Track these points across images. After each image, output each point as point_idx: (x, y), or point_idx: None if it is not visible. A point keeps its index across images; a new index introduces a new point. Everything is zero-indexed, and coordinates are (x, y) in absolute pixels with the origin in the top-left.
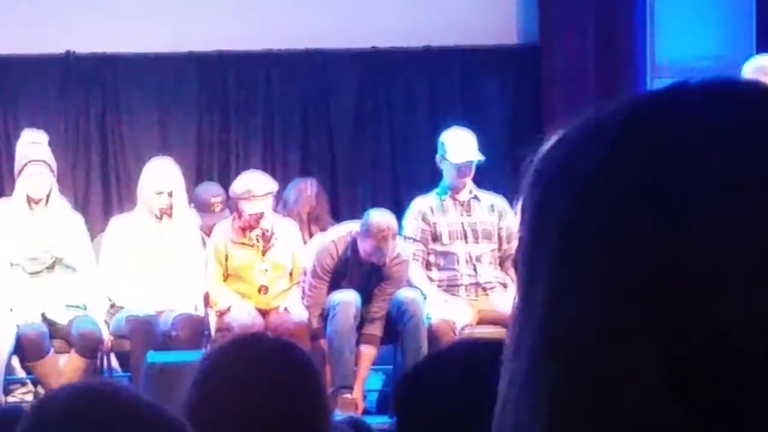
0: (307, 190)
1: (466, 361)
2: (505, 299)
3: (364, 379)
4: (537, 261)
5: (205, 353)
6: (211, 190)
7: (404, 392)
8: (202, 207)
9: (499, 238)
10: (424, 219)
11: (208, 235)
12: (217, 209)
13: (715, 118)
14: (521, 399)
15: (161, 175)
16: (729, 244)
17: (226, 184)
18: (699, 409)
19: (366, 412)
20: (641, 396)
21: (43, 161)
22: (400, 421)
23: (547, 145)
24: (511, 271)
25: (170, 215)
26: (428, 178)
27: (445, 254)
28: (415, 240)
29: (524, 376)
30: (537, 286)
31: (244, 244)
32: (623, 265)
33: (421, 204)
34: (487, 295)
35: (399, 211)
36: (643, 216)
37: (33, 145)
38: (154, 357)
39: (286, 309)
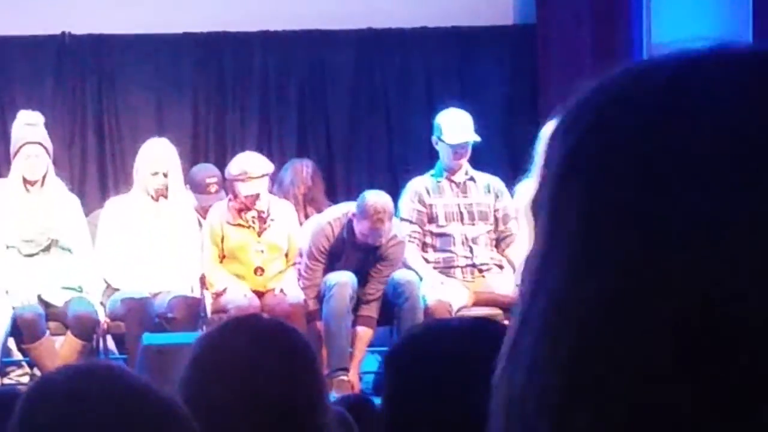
0: (302, 171)
1: (465, 334)
2: (501, 280)
3: (360, 361)
4: (561, 213)
5: (201, 334)
6: (206, 171)
7: (400, 354)
8: (197, 188)
9: (495, 220)
10: (420, 200)
11: (204, 217)
12: (212, 190)
13: (760, 87)
14: (533, 361)
15: (157, 156)
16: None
17: (221, 165)
18: (713, 389)
19: (362, 393)
20: (653, 372)
21: (39, 143)
22: (392, 383)
23: (584, 91)
24: (507, 252)
25: (166, 196)
26: (425, 159)
27: (441, 235)
28: (411, 221)
29: (534, 342)
30: (559, 240)
31: (240, 225)
32: (655, 225)
33: (417, 185)
34: (483, 276)
35: (395, 193)
36: (675, 178)
37: (29, 127)
38: (150, 338)
39: (282, 290)
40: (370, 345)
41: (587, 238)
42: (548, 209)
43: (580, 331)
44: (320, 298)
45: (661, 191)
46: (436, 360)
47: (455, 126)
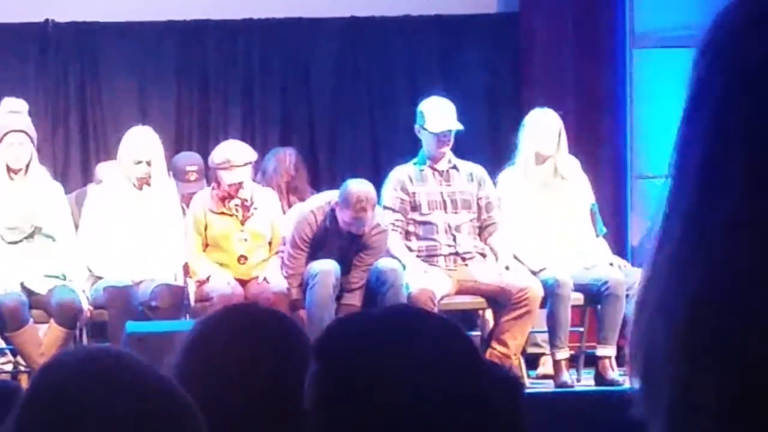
0: (286, 159)
1: (401, 326)
2: (484, 269)
3: None
4: (692, 138)
5: (196, 321)
6: (186, 159)
7: (330, 338)
8: (178, 176)
9: (479, 208)
10: (403, 189)
11: (185, 204)
12: (192, 178)
13: None
14: (669, 280)
15: (140, 145)
16: None
17: (205, 154)
18: None
19: None
20: None
21: (23, 131)
22: (321, 368)
23: (726, 11)
24: (490, 241)
25: (149, 184)
26: (408, 147)
27: (424, 224)
28: (394, 210)
29: (671, 261)
30: (688, 167)
31: (223, 213)
32: None
33: (400, 173)
34: (466, 264)
35: (378, 181)
36: None
37: (13, 114)
38: (133, 327)
39: (265, 279)
40: None
41: (716, 161)
42: (680, 132)
43: (710, 253)
44: (303, 286)
45: None
46: (365, 348)
47: (438, 114)
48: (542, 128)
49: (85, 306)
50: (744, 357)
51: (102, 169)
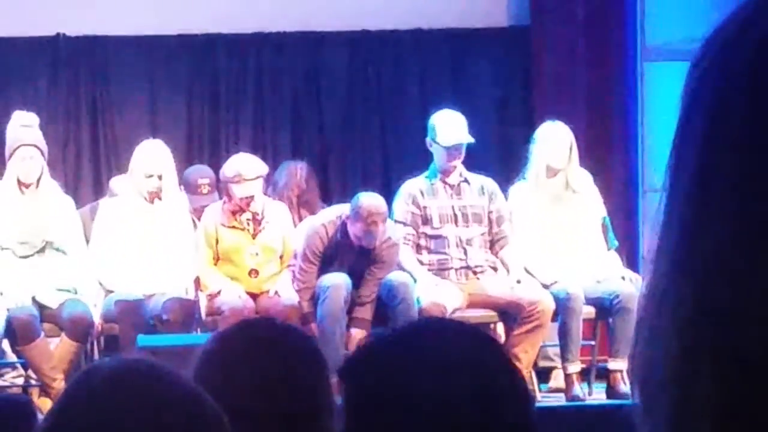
0: (297, 173)
1: (427, 339)
2: (495, 282)
3: None
4: (685, 149)
5: (211, 336)
6: (198, 172)
7: (355, 366)
8: (189, 189)
9: (490, 221)
10: (414, 202)
11: (196, 217)
12: (204, 191)
13: None
14: (663, 300)
15: (151, 158)
16: None
17: (216, 167)
18: None
19: None
20: None
21: (34, 145)
22: (350, 401)
23: (719, 25)
24: (501, 254)
25: (160, 198)
26: (418, 160)
27: (435, 237)
28: (405, 223)
29: (667, 278)
30: (682, 178)
31: (234, 227)
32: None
33: (411, 187)
34: (477, 278)
35: (389, 194)
36: None
37: (24, 128)
38: (144, 340)
39: (276, 292)
40: None
41: (708, 171)
42: (674, 144)
43: (706, 263)
44: (315, 300)
45: None
46: (393, 371)
47: (449, 127)
48: (553, 141)
49: (97, 320)
50: (743, 368)
51: (116, 182)
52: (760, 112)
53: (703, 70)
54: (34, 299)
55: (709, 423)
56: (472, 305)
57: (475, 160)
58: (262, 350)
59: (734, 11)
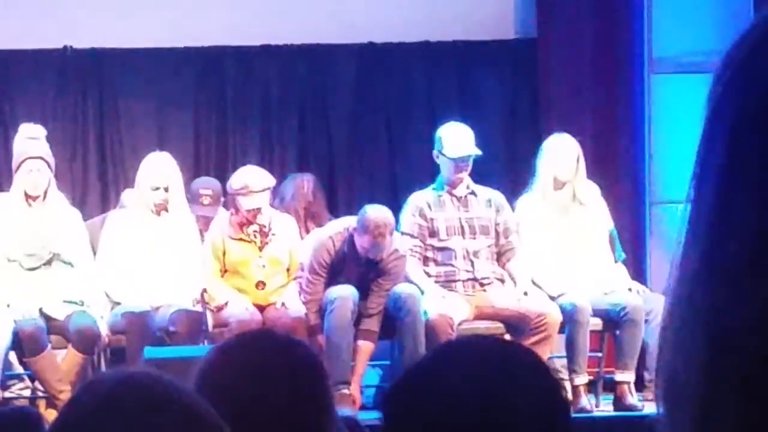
0: (304, 185)
1: (464, 360)
2: (502, 294)
3: (361, 375)
4: (707, 161)
5: (212, 347)
6: (202, 183)
7: (395, 402)
8: (192, 199)
9: (497, 233)
10: (421, 214)
11: (196, 227)
12: (206, 202)
13: None
14: (688, 307)
15: (158, 171)
16: None
17: (223, 179)
18: None
19: (363, 407)
20: None
21: (41, 157)
22: (394, 427)
23: (743, 34)
24: (508, 266)
25: (167, 210)
26: (426, 173)
27: (442, 249)
28: (412, 235)
29: (689, 288)
30: (705, 191)
31: (241, 239)
32: None
33: (418, 199)
34: (484, 290)
35: (396, 207)
36: None
37: (31, 141)
38: (151, 352)
39: (283, 304)
40: (372, 359)
41: (730, 185)
42: (697, 155)
43: (728, 280)
44: (322, 312)
45: None
46: (435, 401)
47: (456, 140)
48: (560, 154)
49: (104, 331)
50: (764, 384)
51: (128, 195)
52: None
53: (725, 81)
54: (41, 311)
55: None
56: (479, 317)
57: (482, 172)
58: (263, 361)
59: (754, 21)
